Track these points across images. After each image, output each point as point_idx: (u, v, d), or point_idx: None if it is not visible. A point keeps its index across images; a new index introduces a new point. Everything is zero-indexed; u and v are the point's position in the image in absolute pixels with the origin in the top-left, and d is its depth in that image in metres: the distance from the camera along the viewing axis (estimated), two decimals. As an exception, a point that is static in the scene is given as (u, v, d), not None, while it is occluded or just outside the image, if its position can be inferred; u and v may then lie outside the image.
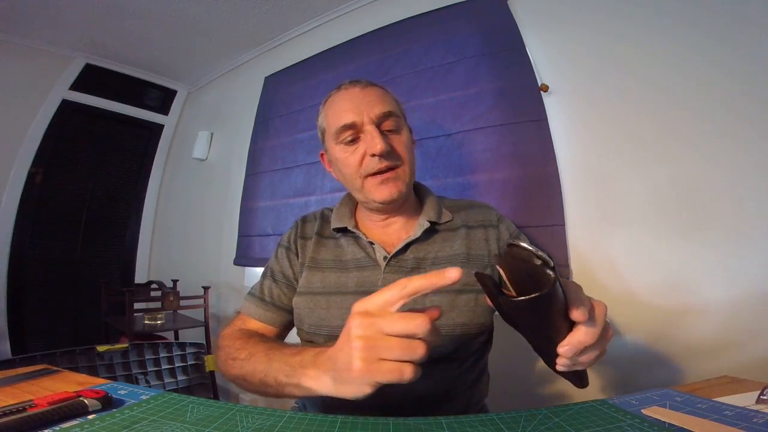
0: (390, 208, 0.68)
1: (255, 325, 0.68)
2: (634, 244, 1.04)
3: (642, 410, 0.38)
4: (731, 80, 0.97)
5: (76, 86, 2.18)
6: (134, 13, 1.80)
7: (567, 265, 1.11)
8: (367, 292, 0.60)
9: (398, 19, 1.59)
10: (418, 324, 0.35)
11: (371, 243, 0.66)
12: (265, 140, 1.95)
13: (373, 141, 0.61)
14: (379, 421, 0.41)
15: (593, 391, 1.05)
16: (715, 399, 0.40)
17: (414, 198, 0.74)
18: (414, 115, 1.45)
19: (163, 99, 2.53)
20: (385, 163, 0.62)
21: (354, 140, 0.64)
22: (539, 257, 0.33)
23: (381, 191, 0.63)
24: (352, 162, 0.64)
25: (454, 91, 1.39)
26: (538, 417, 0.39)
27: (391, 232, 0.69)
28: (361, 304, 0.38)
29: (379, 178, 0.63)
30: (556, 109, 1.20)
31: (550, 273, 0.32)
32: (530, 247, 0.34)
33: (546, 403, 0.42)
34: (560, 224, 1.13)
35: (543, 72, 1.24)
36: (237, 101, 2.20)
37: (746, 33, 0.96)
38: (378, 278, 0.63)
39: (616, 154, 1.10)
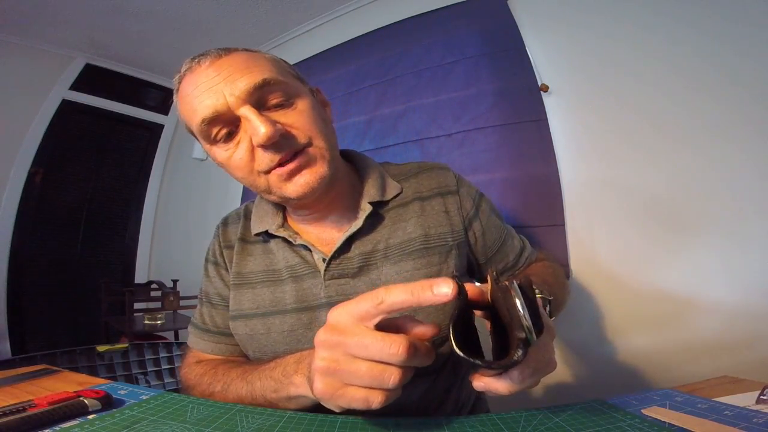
0: (316, 201, 0.51)
1: (209, 358, 0.58)
2: (634, 244, 1.04)
3: (642, 410, 0.38)
4: (730, 81, 0.97)
5: (76, 86, 2.18)
6: (134, 13, 1.80)
7: (567, 265, 1.11)
8: (309, 308, 0.52)
9: (398, 19, 1.59)
10: (393, 353, 0.29)
11: (304, 245, 0.52)
12: (265, 140, 1.95)
13: (252, 128, 0.43)
14: (379, 421, 0.40)
15: (593, 391, 1.05)
16: (715, 399, 0.40)
17: (351, 174, 0.58)
18: (414, 115, 1.45)
19: (163, 99, 2.52)
20: (280, 155, 0.45)
21: (231, 133, 0.46)
22: (526, 330, 0.27)
23: (295, 185, 0.47)
24: (239, 161, 0.47)
25: (454, 91, 1.39)
26: (538, 417, 0.39)
27: (328, 226, 0.55)
28: (335, 315, 0.32)
29: (284, 170, 0.46)
30: (556, 109, 1.20)
31: (519, 353, 0.27)
32: (520, 311, 0.27)
33: (546, 403, 0.42)
34: (560, 224, 1.13)
35: (543, 72, 1.24)
36: (237, 101, 2.20)
37: (745, 34, 0.96)
38: (319, 288, 0.51)
39: (616, 154, 1.10)
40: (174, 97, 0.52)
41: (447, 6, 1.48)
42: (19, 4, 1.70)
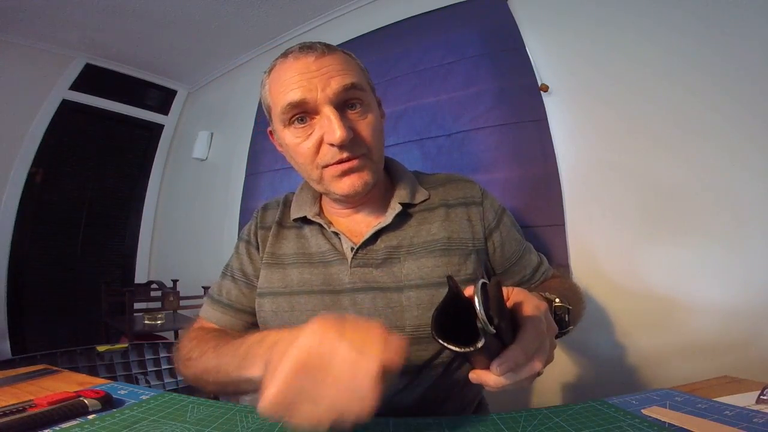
0: (353, 200, 0.58)
1: (211, 327, 0.62)
2: (634, 244, 1.04)
3: (642, 410, 0.38)
4: (722, 86, 0.97)
5: (76, 86, 2.18)
6: (134, 13, 1.79)
7: (567, 265, 1.11)
8: (333, 292, 0.55)
9: (398, 19, 1.59)
10: (363, 407, 0.29)
11: (336, 233, 0.58)
12: (265, 140, 1.94)
13: (330, 128, 0.49)
14: (379, 420, 0.41)
15: (593, 391, 1.05)
16: (715, 399, 0.40)
17: (384, 177, 0.64)
18: (414, 115, 1.45)
19: (163, 99, 2.52)
20: (345, 154, 0.51)
21: (304, 119, 0.52)
22: (481, 320, 0.30)
23: (343, 184, 0.53)
24: (306, 150, 0.53)
25: (454, 91, 1.39)
26: (538, 417, 0.39)
27: (359, 220, 0.60)
28: (332, 332, 0.31)
29: (338, 168, 0.53)
30: (556, 109, 1.20)
31: (481, 341, 0.30)
32: (476, 306, 0.30)
33: (546, 403, 0.42)
34: (560, 224, 1.13)
35: (543, 72, 1.24)
36: (237, 101, 2.19)
37: (737, 43, 0.96)
38: (344, 274, 0.56)
39: (616, 154, 1.10)
40: (264, 76, 0.58)
41: (447, 6, 1.48)
42: (19, 4, 1.70)
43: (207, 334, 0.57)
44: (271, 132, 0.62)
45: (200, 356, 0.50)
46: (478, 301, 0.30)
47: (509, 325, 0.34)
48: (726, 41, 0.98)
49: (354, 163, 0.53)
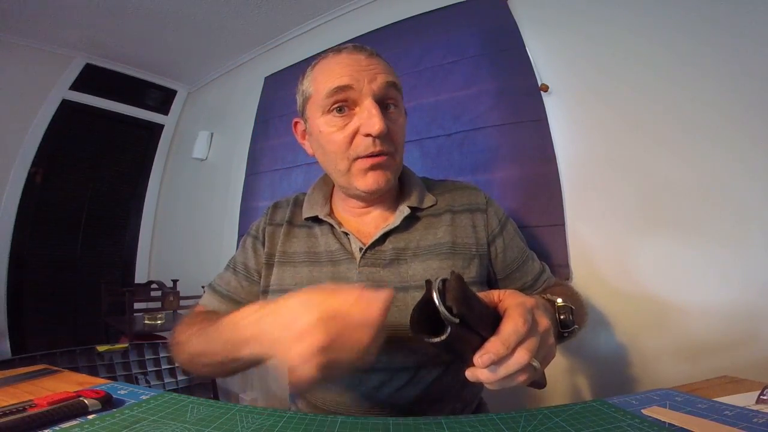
0: (371, 198, 0.60)
1: (203, 311, 0.63)
2: (633, 244, 1.04)
3: (642, 410, 0.38)
4: (722, 86, 0.97)
5: (76, 86, 2.18)
6: (134, 13, 1.79)
7: (567, 265, 1.11)
8: None
9: (398, 19, 1.59)
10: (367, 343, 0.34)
11: (346, 233, 0.60)
12: (265, 140, 1.95)
13: (371, 119, 0.52)
14: (379, 421, 0.41)
15: (593, 391, 1.05)
16: (715, 399, 0.40)
17: (395, 182, 0.66)
18: (414, 115, 1.45)
19: (163, 99, 2.52)
20: (379, 147, 0.54)
21: (343, 110, 0.54)
22: (441, 312, 0.32)
23: (367, 179, 0.55)
24: (339, 139, 0.54)
25: (454, 91, 1.39)
26: (538, 417, 0.39)
27: (369, 221, 0.62)
28: (333, 301, 0.36)
29: (368, 162, 0.55)
30: (556, 109, 1.20)
31: (443, 335, 0.33)
32: (436, 300, 0.33)
33: (546, 403, 0.42)
34: (560, 224, 1.13)
35: (543, 72, 1.24)
36: (237, 101, 2.20)
37: (738, 42, 0.96)
38: (353, 273, 0.58)
39: (616, 154, 1.10)
40: (308, 69, 0.60)
41: (447, 6, 1.48)
42: (19, 4, 1.70)
43: (195, 317, 0.58)
44: (296, 123, 0.64)
45: (187, 341, 0.52)
46: (437, 295, 0.33)
47: (487, 319, 0.35)
48: (726, 41, 0.98)
49: (382, 159, 0.55)
